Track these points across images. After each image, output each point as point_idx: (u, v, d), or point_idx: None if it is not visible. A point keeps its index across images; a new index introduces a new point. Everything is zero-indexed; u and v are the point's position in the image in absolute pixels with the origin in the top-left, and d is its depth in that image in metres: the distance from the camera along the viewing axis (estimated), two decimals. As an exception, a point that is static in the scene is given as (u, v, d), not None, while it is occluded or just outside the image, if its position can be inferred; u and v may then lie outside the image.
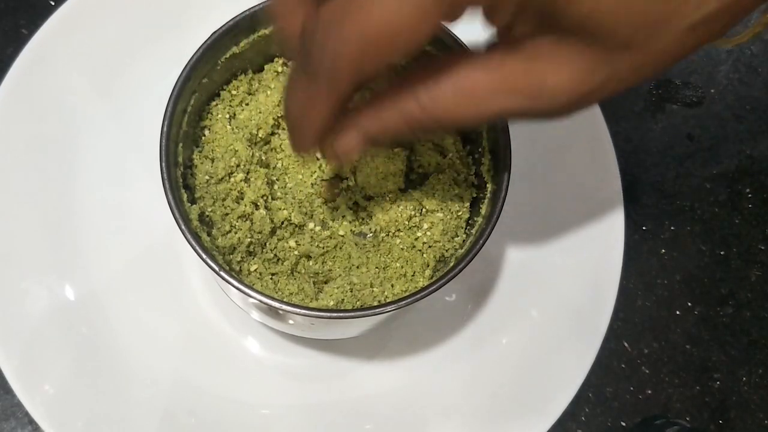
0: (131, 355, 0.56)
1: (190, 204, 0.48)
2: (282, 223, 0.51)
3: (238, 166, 0.50)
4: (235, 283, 0.43)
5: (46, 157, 0.59)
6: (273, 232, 0.51)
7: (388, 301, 0.49)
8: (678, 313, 0.68)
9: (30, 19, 0.69)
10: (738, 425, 0.65)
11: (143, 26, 0.63)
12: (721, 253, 0.71)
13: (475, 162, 0.53)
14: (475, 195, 0.53)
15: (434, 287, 0.45)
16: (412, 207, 0.52)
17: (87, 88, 0.61)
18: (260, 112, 0.52)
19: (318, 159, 0.54)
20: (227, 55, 0.50)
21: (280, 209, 0.51)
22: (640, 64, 0.33)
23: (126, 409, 0.55)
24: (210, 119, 0.52)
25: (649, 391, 0.66)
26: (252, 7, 0.49)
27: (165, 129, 0.46)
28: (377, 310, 0.44)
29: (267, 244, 0.51)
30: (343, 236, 0.52)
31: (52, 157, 0.59)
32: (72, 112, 0.61)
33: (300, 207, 0.52)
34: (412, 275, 0.50)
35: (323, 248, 0.52)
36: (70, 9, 0.61)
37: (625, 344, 0.67)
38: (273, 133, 0.53)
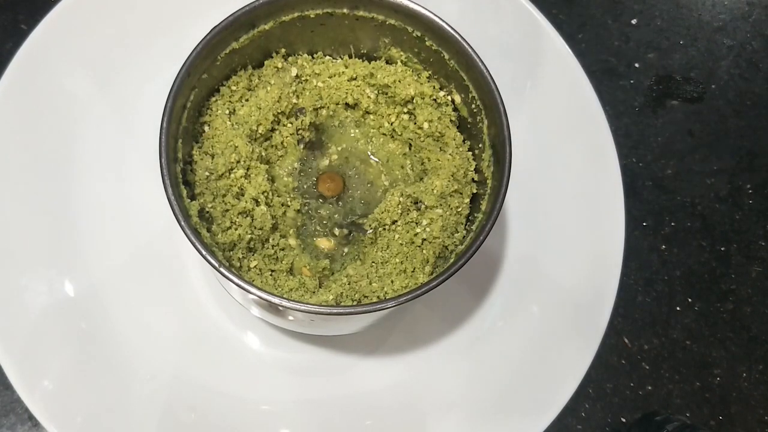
0: (131, 351, 0.56)
1: (189, 200, 0.47)
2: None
3: (238, 162, 0.50)
4: (235, 280, 0.43)
5: (46, 152, 0.59)
6: (274, 228, 0.51)
7: (387, 297, 0.49)
8: (678, 309, 0.68)
9: (29, 14, 0.69)
10: (738, 421, 0.65)
11: (143, 21, 0.63)
12: (722, 249, 0.71)
13: (475, 158, 0.53)
14: (475, 191, 0.53)
15: (434, 284, 0.45)
16: (411, 203, 0.52)
17: (86, 83, 0.61)
18: (260, 108, 0.52)
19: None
20: (227, 51, 0.50)
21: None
22: None
23: (126, 405, 0.55)
24: (210, 115, 0.52)
25: (650, 387, 0.66)
26: (251, 3, 0.49)
27: (164, 125, 0.46)
28: (377, 306, 0.44)
29: (270, 239, 0.51)
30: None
31: (52, 151, 0.59)
32: (71, 108, 0.60)
33: (300, 203, 0.52)
34: (412, 271, 0.50)
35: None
36: (69, 4, 0.61)
37: (625, 340, 0.67)
38: (273, 129, 0.53)
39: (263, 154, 0.52)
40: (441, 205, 0.52)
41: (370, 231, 0.52)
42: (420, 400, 0.58)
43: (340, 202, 0.53)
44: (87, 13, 0.61)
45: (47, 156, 0.59)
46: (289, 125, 0.53)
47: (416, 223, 0.51)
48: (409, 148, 0.55)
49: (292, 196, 0.53)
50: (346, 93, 0.54)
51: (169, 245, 0.59)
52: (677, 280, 0.69)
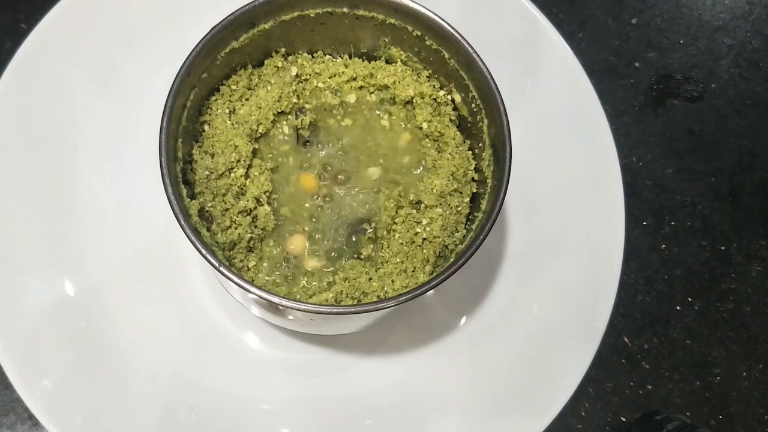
0: (131, 350, 0.56)
1: (189, 199, 0.47)
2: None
3: (238, 161, 0.50)
4: (235, 279, 0.43)
5: (45, 151, 0.59)
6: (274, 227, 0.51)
7: (388, 296, 0.49)
8: (678, 308, 0.68)
9: (29, 13, 0.69)
10: (738, 420, 0.65)
11: (142, 20, 0.63)
12: (722, 248, 0.71)
13: (475, 157, 0.53)
14: (475, 190, 0.53)
15: (434, 283, 0.45)
16: (407, 201, 0.52)
17: (86, 82, 0.61)
18: (260, 108, 0.52)
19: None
20: (227, 50, 0.50)
21: (283, 206, 0.51)
22: None
23: (125, 404, 0.55)
24: (210, 114, 0.52)
25: (650, 386, 0.66)
26: (251, 2, 0.49)
27: (164, 124, 0.46)
28: (377, 306, 0.44)
29: (270, 239, 0.51)
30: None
31: (51, 151, 0.59)
32: (71, 107, 0.60)
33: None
34: (412, 271, 0.50)
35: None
36: (69, 3, 0.61)
37: (626, 339, 0.67)
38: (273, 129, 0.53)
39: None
40: (441, 204, 0.52)
41: (370, 230, 0.52)
42: (420, 400, 0.58)
43: (340, 203, 0.53)
44: (87, 13, 0.61)
45: (47, 155, 0.59)
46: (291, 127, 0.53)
47: (416, 223, 0.51)
48: (409, 148, 0.55)
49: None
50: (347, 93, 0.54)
51: (169, 245, 0.59)
52: (677, 279, 0.69)
